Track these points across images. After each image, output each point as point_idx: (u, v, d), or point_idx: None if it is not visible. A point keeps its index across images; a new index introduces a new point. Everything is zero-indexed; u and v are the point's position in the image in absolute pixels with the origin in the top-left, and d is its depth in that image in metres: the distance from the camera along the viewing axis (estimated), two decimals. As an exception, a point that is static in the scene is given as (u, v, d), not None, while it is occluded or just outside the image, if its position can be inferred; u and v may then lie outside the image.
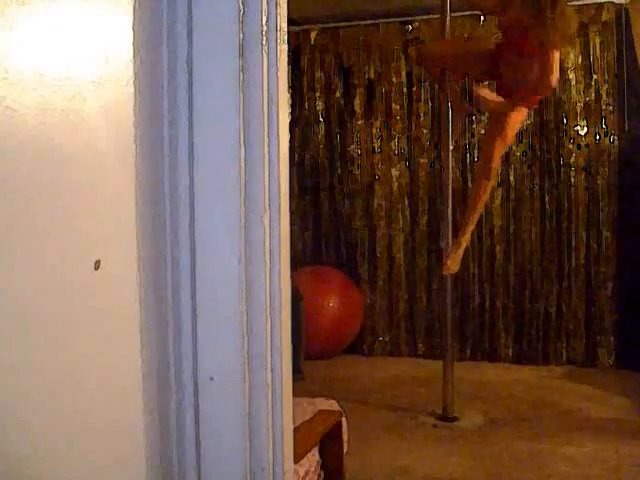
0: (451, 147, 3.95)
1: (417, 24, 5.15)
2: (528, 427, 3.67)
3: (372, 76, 5.26)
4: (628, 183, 4.76)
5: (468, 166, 5.06)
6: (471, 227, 3.88)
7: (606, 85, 4.80)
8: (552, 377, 4.67)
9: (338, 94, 5.36)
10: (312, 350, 4.67)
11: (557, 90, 4.77)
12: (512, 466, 3.18)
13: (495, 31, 4.91)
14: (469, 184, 4.88)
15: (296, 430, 1.18)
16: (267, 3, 0.97)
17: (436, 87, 4.86)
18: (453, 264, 3.83)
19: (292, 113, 5.35)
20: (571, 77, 4.85)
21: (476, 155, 5.01)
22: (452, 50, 3.67)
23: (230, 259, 0.97)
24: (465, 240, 3.88)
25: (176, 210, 0.96)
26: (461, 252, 3.86)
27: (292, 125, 5.26)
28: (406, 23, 5.17)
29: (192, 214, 0.97)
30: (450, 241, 3.83)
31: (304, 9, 4.86)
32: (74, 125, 0.80)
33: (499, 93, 3.70)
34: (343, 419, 2.37)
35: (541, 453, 3.31)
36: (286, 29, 1.02)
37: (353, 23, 5.25)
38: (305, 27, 5.31)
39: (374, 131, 5.28)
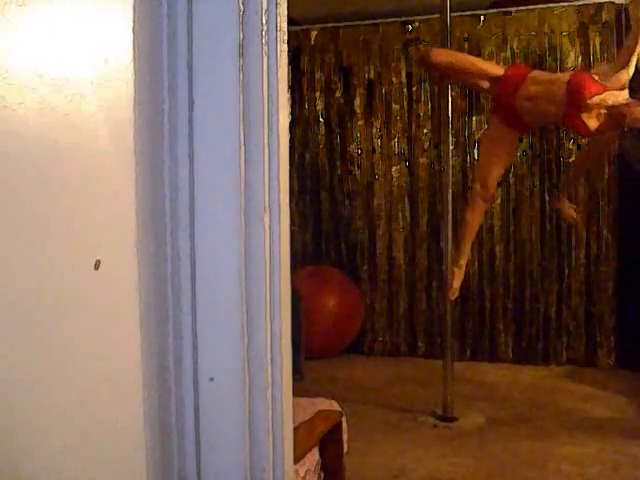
0: (451, 147, 3.96)
1: (417, 24, 5.15)
2: (528, 427, 3.67)
3: (372, 76, 5.26)
4: (628, 183, 4.76)
5: (468, 166, 5.06)
6: (469, 246, 3.88)
7: (606, 85, 4.80)
8: (552, 377, 4.67)
9: (338, 94, 5.35)
10: (312, 350, 4.67)
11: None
12: (512, 466, 3.18)
13: (495, 31, 4.94)
14: (469, 184, 4.88)
15: (296, 430, 1.18)
16: (267, 3, 0.97)
17: (436, 88, 4.87)
18: (458, 285, 3.84)
19: (292, 113, 5.35)
20: (571, 77, 4.85)
21: (476, 155, 5.01)
22: (459, 62, 3.65)
23: (230, 259, 0.97)
24: (464, 261, 3.87)
25: (176, 210, 0.96)
26: (462, 273, 3.86)
27: (292, 125, 5.26)
28: (406, 23, 5.17)
29: (192, 214, 0.97)
30: (450, 250, 3.82)
31: (304, 9, 4.86)
32: (74, 125, 0.80)
33: (497, 113, 3.69)
34: (343, 419, 2.37)
35: (541, 453, 3.31)
36: (286, 29, 1.02)
37: (353, 23, 5.25)
38: (305, 27, 5.31)
39: (374, 131, 5.28)
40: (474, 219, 3.82)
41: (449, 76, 3.75)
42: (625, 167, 4.73)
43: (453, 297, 3.85)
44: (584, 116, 3.26)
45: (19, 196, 0.73)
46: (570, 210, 3.99)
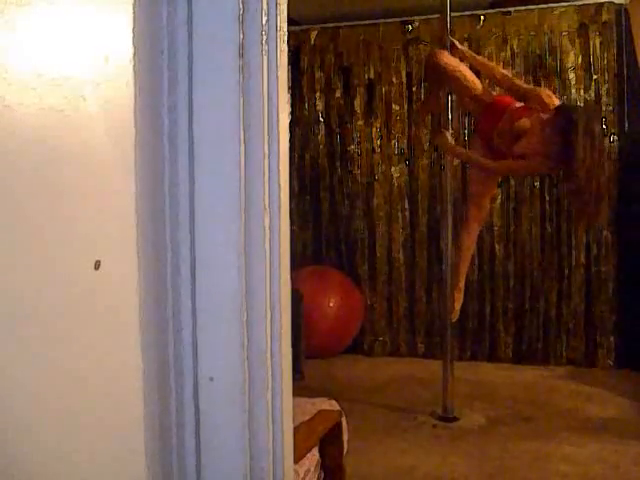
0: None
1: (417, 24, 5.15)
2: (528, 427, 3.67)
3: (372, 76, 5.26)
4: (628, 183, 4.76)
5: (468, 166, 5.05)
6: (466, 268, 3.87)
7: (606, 85, 4.80)
8: (552, 377, 4.67)
9: (338, 94, 5.36)
10: (312, 350, 4.67)
11: (556, 91, 4.77)
12: (512, 466, 3.18)
13: (495, 31, 4.94)
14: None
15: (296, 430, 1.18)
16: (267, 3, 0.97)
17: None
18: (459, 307, 3.84)
19: (292, 113, 5.35)
20: (571, 77, 4.85)
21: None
22: (462, 74, 3.63)
23: (230, 259, 0.97)
24: (463, 282, 3.86)
25: (176, 210, 0.96)
26: (462, 295, 3.86)
27: (292, 125, 5.26)
28: (406, 23, 5.17)
29: (192, 214, 0.97)
30: (450, 250, 3.82)
31: (304, 9, 4.87)
32: (74, 125, 0.80)
33: (480, 137, 3.68)
34: (343, 419, 2.37)
35: (541, 453, 3.31)
36: (286, 29, 1.02)
37: (353, 23, 5.25)
38: (305, 27, 5.31)
39: (374, 131, 5.28)
40: (471, 243, 3.80)
41: (449, 81, 3.74)
42: (625, 167, 4.74)
43: (454, 319, 3.85)
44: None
45: (19, 196, 0.73)
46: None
